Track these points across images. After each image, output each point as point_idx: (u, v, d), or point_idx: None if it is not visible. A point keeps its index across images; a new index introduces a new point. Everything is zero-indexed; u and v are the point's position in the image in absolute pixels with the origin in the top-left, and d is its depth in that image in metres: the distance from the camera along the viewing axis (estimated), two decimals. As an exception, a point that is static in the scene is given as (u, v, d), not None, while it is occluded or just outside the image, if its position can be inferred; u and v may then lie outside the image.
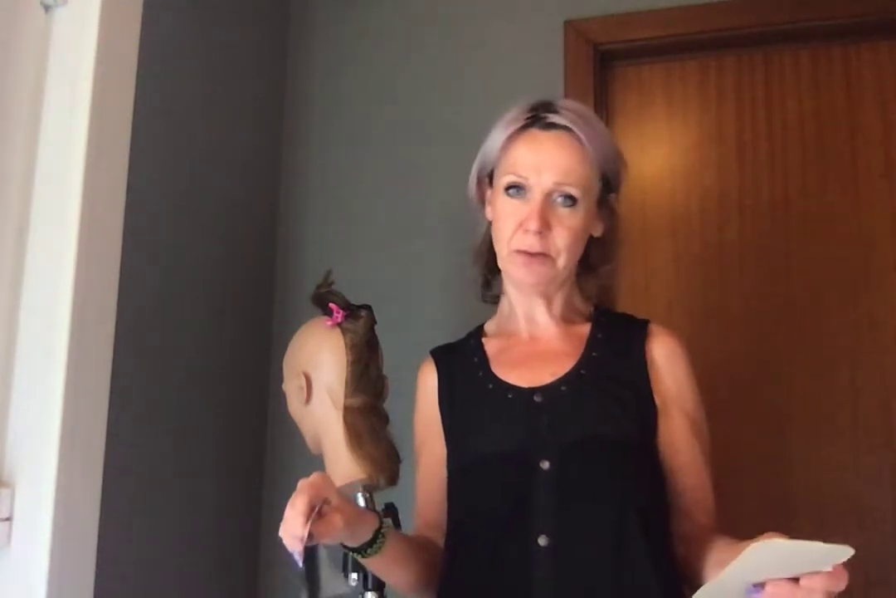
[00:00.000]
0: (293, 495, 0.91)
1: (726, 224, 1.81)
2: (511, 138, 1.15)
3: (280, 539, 0.89)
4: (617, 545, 1.00)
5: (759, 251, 1.78)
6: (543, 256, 1.09)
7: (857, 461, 1.66)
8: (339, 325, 1.25)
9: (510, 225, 1.11)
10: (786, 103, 1.82)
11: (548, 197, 1.10)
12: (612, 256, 1.22)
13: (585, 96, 1.81)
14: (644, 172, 1.88)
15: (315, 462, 1.29)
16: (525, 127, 1.14)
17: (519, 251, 1.10)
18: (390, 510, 1.24)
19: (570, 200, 1.10)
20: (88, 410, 1.31)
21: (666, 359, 1.13)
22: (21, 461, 1.25)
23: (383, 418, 1.26)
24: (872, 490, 1.64)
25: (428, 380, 1.21)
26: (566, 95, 1.83)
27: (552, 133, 1.12)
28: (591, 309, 1.21)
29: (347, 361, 1.23)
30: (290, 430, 1.38)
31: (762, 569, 0.74)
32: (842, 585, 0.73)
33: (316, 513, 0.89)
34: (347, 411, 1.22)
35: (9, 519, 1.23)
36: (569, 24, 1.86)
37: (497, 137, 1.17)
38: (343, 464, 1.22)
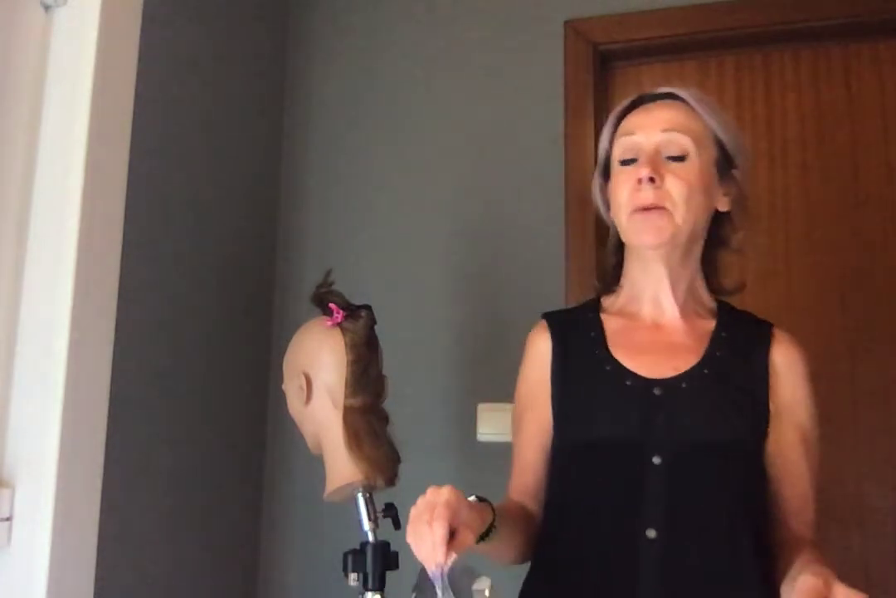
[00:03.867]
0: (427, 514, 0.83)
1: (726, 224, 1.81)
2: (619, 120, 1.17)
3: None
4: (723, 541, 1.02)
5: (759, 251, 1.77)
6: (659, 209, 1.07)
7: (858, 461, 1.66)
8: (339, 325, 1.25)
9: (626, 189, 1.09)
10: (785, 103, 1.82)
11: (658, 152, 1.09)
12: (742, 224, 1.17)
13: (585, 96, 1.81)
14: (644, 172, 1.88)
15: (315, 462, 1.30)
16: (633, 106, 1.16)
17: (635, 211, 1.08)
18: (390, 510, 1.23)
19: (681, 158, 1.08)
20: (88, 410, 1.31)
21: (786, 367, 1.12)
22: (21, 461, 1.25)
23: (383, 419, 1.26)
24: (872, 490, 1.64)
25: (541, 345, 1.17)
26: (566, 95, 1.83)
27: (661, 101, 1.14)
28: (715, 305, 1.18)
29: (347, 361, 1.23)
30: (290, 430, 1.38)
31: None
32: None
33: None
34: (347, 411, 1.22)
35: (9, 519, 1.23)
36: (569, 24, 1.86)
37: (607, 130, 1.19)
38: (342, 464, 1.22)
